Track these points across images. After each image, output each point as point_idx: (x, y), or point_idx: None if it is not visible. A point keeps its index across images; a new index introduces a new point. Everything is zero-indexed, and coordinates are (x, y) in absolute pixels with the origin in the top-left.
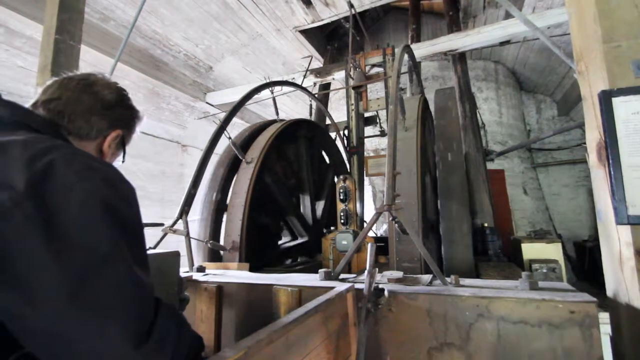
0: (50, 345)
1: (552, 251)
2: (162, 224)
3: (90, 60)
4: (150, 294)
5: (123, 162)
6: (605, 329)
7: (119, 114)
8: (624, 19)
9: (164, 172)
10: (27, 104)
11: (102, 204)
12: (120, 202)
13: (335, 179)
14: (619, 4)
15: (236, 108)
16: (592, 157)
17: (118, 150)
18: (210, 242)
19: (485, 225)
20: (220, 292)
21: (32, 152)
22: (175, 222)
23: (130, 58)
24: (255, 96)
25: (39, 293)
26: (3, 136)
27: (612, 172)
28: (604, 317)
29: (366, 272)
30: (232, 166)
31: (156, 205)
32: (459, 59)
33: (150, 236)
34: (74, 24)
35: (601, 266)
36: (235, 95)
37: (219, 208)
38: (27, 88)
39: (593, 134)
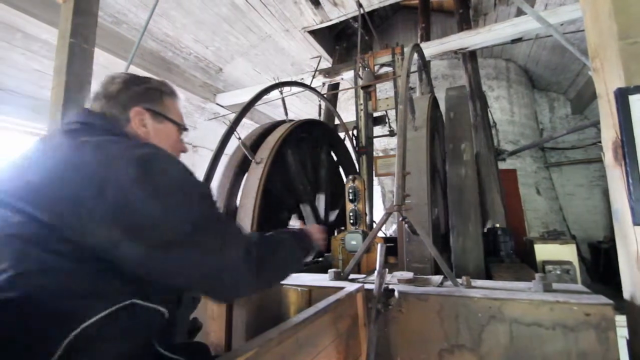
0: (188, 265)
1: (566, 252)
2: None
3: (104, 63)
4: (241, 229)
5: (186, 129)
6: (622, 332)
7: (129, 94)
8: None
9: None
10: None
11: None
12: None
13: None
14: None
15: (246, 109)
16: (608, 156)
17: (160, 124)
18: None
19: (497, 226)
20: None
21: (128, 149)
22: None
23: (142, 60)
24: (265, 97)
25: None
26: (99, 137)
27: (629, 172)
28: (621, 320)
29: (376, 272)
30: (241, 166)
31: None
32: (470, 57)
33: None
34: (87, 28)
35: (617, 268)
36: (244, 96)
37: (229, 208)
38: (43, 91)
39: (609, 133)
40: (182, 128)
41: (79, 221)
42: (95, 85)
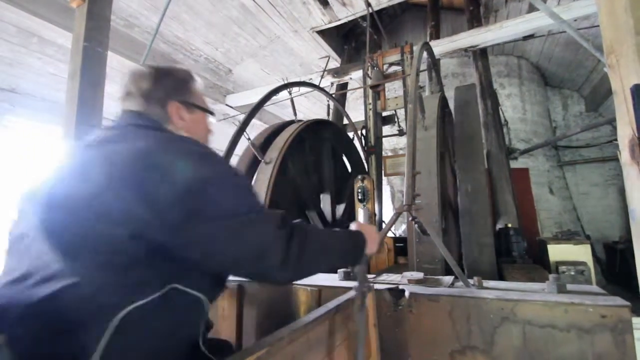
0: (241, 241)
1: (581, 253)
2: None
3: (116, 66)
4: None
5: (213, 114)
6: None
7: (162, 89)
8: None
9: None
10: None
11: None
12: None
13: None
14: None
15: (255, 110)
16: (625, 155)
17: (193, 114)
18: None
19: (509, 225)
20: (241, 290)
21: (185, 145)
22: None
23: (154, 63)
24: (274, 97)
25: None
26: (155, 138)
27: None
28: (638, 322)
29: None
30: (251, 166)
31: None
32: (480, 55)
33: None
34: (101, 32)
35: (634, 269)
36: (254, 97)
37: None
38: (58, 94)
39: (625, 130)
40: (210, 113)
41: (148, 210)
42: (113, 86)
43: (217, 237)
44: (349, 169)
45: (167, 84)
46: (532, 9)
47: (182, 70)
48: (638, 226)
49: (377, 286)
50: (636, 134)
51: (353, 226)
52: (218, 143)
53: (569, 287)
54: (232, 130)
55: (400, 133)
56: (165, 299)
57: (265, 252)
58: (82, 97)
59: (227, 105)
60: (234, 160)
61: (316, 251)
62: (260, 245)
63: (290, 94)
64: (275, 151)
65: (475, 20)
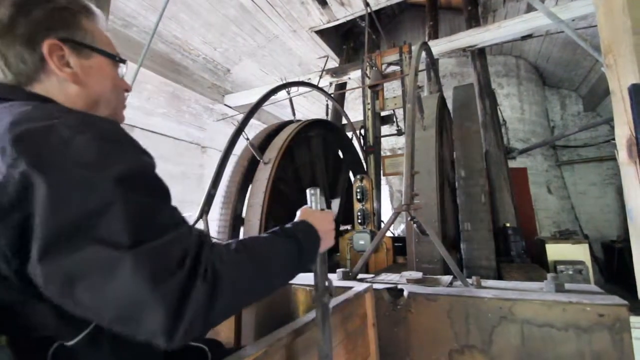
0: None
1: (579, 252)
2: None
3: None
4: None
5: (123, 60)
6: (637, 333)
7: (31, 20)
8: None
9: (185, 174)
10: None
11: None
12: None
13: (352, 179)
14: None
15: (254, 109)
16: (622, 154)
17: (87, 60)
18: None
19: (508, 225)
20: None
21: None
22: (195, 223)
23: (152, 63)
24: (272, 97)
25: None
26: None
27: None
28: (636, 321)
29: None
30: (250, 166)
31: (177, 205)
32: (478, 54)
33: None
34: None
35: (632, 268)
36: (252, 97)
37: (237, 208)
38: None
39: (623, 130)
40: (117, 59)
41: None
42: None
43: (53, 281)
44: (343, 165)
45: (38, 15)
46: (530, 9)
47: None
48: (636, 225)
49: (376, 286)
50: (633, 134)
51: (298, 215)
52: (217, 143)
53: (567, 286)
54: (230, 130)
55: (399, 133)
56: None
57: (133, 319)
58: None
59: (225, 105)
60: (232, 161)
61: (244, 283)
62: (122, 310)
63: (289, 93)
64: (274, 151)
65: (474, 20)
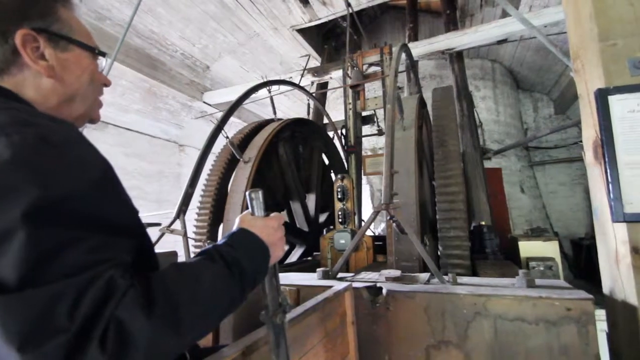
0: None
1: (549, 249)
2: (159, 224)
3: None
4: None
5: (102, 53)
6: (602, 325)
7: (2, 8)
8: (620, 17)
9: (161, 172)
10: None
11: None
12: None
13: (333, 178)
14: (615, 2)
15: (233, 107)
16: (589, 155)
17: (62, 52)
18: (208, 241)
19: (483, 223)
20: None
21: None
22: (172, 222)
23: (126, 58)
24: (253, 95)
25: None
26: None
27: (608, 170)
28: (601, 314)
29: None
30: (229, 165)
31: (153, 205)
32: (457, 57)
33: None
34: None
35: (598, 264)
36: (232, 95)
37: (217, 207)
38: None
39: (589, 132)
40: (96, 52)
41: None
42: None
43: None
44: (325, 160)
45: (10, 3)
46: (505, 14)
47: None
48: (600, 223)
49: (355, 284)
50: (599, 136)
51: (236, 223)
52: (195, 141)
53: (538, 282)
54: (209, 128)
55: (380, 133)
56: None
57: None
58: None
59: (204, 102)
60: (211, 159)
61: (170, 332)
62: None
63: (270, 92)
64: (254, 150)
65: (452, 24)
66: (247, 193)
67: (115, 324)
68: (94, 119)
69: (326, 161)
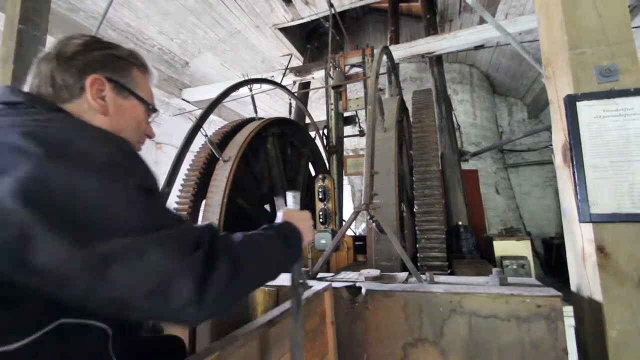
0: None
1: (522, 248)
2: None
3: None
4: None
5: (155, 110)
6: (570, 321)
7: (89, 58)
8: (588, 26)
9: None
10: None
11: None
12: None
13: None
14: (584, 13)
15: (213, 105)
16: (558, 158)
17: (122, 99)
18: None
19: (460, 223)
20: None
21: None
22: None
23: None
24: (234, 93)
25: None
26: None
27: (575, 173)
28: (568, 310)
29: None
30: (208, 164)
31: None
32: (436, 61)
33: None
34: (39, 14)
35: (567, 262)
36: (212, 92)
37: (195, 207)
38: None
39: (559, 136)
40: (151, 108)
41: None
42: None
43: (73, 270)
44: (305, 160)
45: (98, 55)
46: (482, 21)
47: (130, 51)
48: (569, 223)
49: (335, 284)
50: (568, 140)
51: (281, 216)
52: (173, 138)
53: (510, 279)
54: (188, 125)
55: (361, 134)
56: (53, 337)
57: (166, 291)
58: (16, 85)
59: (183, 99)
60: (189, 158)
61: (253, 268)
62: (155, 283)
63: (251, 90)
64: (234, 149)
65: (432, 28)
66: (288, 193)
67: (227, 249)
68: None
69: (312, 172)
